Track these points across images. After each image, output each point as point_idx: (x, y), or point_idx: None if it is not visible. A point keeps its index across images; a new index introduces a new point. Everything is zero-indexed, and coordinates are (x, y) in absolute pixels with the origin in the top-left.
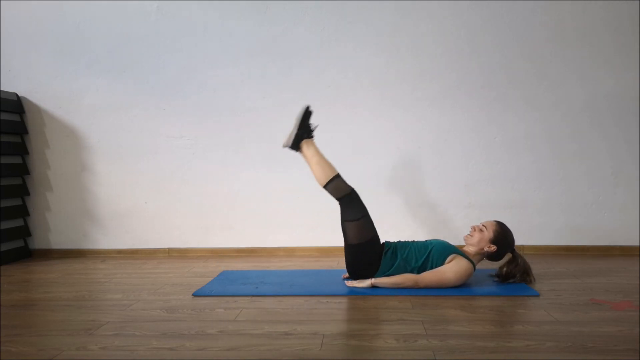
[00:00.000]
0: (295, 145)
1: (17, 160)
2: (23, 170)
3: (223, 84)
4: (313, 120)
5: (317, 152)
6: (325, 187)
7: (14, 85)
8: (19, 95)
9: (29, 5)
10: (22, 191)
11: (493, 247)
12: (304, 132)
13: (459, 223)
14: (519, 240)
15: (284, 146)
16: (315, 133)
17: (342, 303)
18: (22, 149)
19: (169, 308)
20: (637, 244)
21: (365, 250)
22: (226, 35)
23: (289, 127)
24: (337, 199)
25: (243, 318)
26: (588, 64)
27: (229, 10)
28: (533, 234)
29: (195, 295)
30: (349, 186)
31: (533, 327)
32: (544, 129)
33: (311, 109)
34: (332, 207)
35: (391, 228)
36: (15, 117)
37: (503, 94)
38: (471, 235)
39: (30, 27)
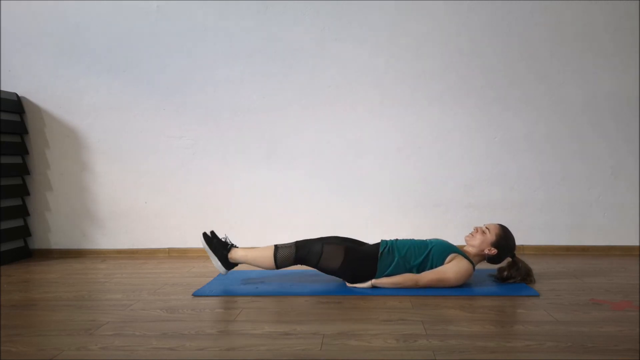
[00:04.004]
0: (228, 265)
1: (17, 160)
2: (23, 170)
3: (223, 84)
4: (218, 233)
5: (245, 252)
6: (279, 268)
7: (14, 85)
8: (19, 95)
9: (29, 5)
10: (22, 191)
11: (494, 250)
12: (221, 251)
13: (459, 223)
14: (519, 240)
15: (223, 274)
16: (229, 240)
17: (342, 303)
18: (22, 149)
19: (169, 308)
20: (637, 244)
21: (351, 264)
22: (226, 35)
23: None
24: (294, 262)
25: (243, 318)
26: (588, 64)
27: (229, 10)
28: (533, 234)
29: (195, 295)
30: (291, 246)
31: (533, 327)
32: (544, 129)
33: (208, 232)
34: (332, 207)
35: (391, 228)
36: (15, 117)
37: (503, 94)
38: (473, 236)
39: (30, 27)
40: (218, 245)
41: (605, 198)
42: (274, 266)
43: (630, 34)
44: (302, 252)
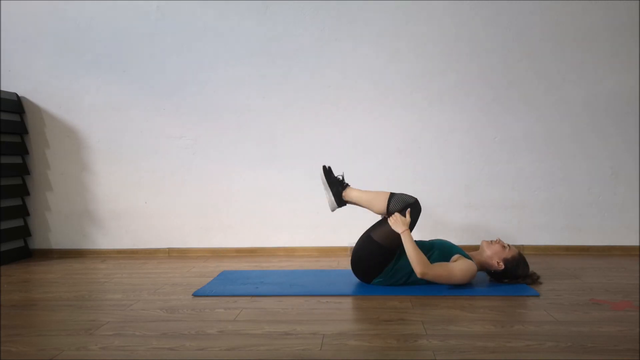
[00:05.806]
0: (340, 202)
1: (17, 160)
2: (23, 170)
3: (223, 84)
4: (336, 172)
5: (360, 193)
6: (389, 214)
7: (14, 85)
8: (19, 95)
9: (29, 5)
10: (22, 191)
11: (501, 265)
12: (336, 187)
13: (459, 223)
14: (519, 240)
15: (333, 210)
16: (346, 180)
17: (342, 303)
18: (22, 149)
19: (169, 308)
20: (637, 244)
21: (378, 252)
22: (226, 35)
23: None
24: (399, 212)
25: (243, 318)
26: (588, 64)
27: (229, 10)
28: (533, 234)
29: (195, 295)
30: (409, 197)
31: (533, 327)
32: (544, 129)
33: (327, 165)
34: None
35: None
36: (15, 117)
37: (503, 94)
38: (492, 243)
39: (30, 27)
40: (335, 181)
41: (605, 198)
42: (386, 212)
43: (630, 34)
44: (414, 211)
